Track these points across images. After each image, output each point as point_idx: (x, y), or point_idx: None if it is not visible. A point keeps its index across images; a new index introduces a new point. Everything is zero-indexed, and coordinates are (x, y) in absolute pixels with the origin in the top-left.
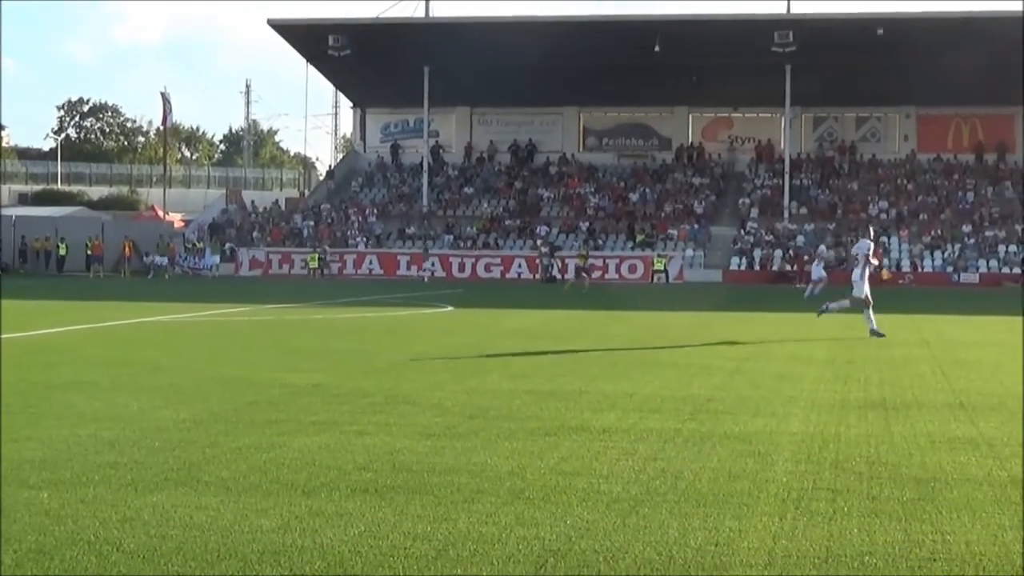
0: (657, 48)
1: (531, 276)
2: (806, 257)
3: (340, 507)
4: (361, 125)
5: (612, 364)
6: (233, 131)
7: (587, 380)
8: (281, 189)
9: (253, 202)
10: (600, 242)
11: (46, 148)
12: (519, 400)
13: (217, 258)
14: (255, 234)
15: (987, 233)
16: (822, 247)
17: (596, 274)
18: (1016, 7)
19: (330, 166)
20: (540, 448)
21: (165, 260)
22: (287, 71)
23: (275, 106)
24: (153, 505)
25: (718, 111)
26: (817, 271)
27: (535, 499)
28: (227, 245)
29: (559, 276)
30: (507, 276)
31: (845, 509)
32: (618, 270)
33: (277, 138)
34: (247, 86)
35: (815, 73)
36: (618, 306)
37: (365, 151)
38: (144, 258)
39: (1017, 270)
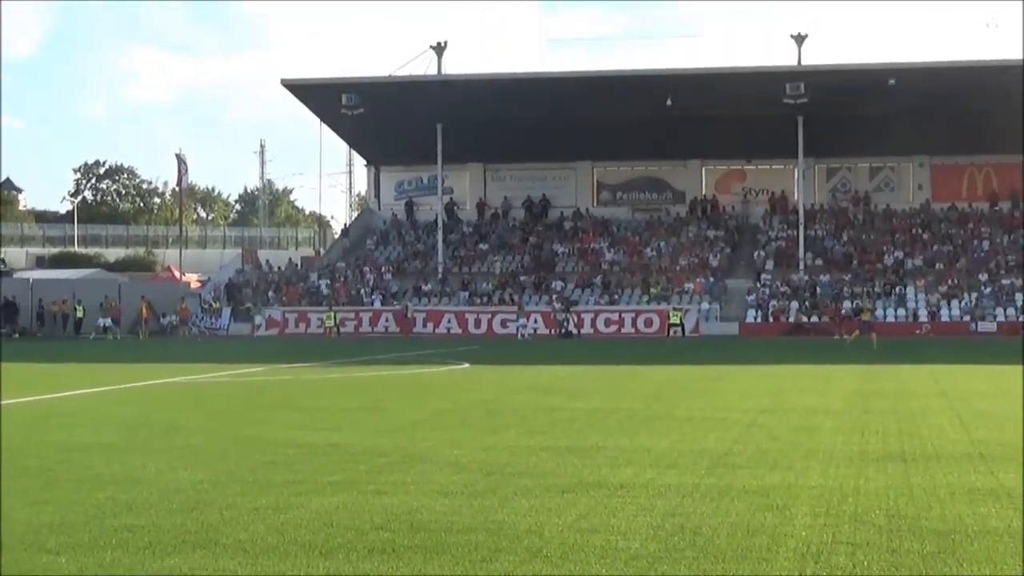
0: (669, 102)
1: (547, 332)
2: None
3: (358, 568)
4: (375, 183)
5: (629, 419)
6: (248, 191)
7: (604, 435)
8: (296, 248)
9: (268, 261)
10: (615, 296)
11: (63, 211)
12: (536, 457)
13: (263, 317)
14: (271, 294)
15: (1004, 281)
16: None
17: (611, 328)
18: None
19: (345, 224)
20: (558, 505)
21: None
22: (301, 130)
23: (290, 165)
24: (171, 568)
25: (731, 164)
26: None
27: (553, 557)
28: (246, 304)
29: (575, 331)
30: (522, 332)
31: (865, 563)
32: (634, 324)
33: (292, 197)
34: (261, 146)
35: (828, 124)
36: (634, 360)
37: (380, 209)
38: (161, 319)
39: None
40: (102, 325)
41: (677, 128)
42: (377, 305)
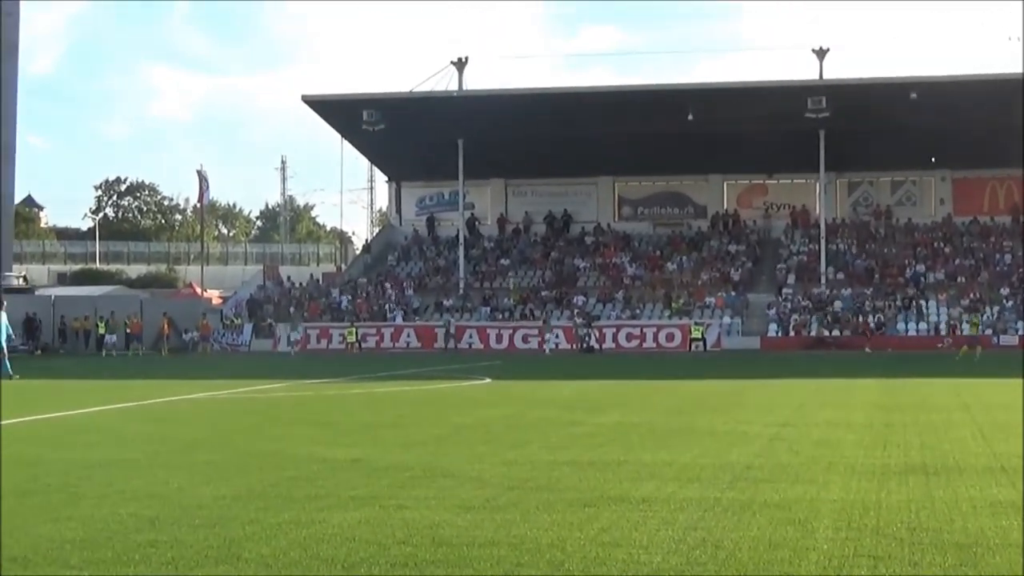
0: (691, 116)
1: (569, 347)
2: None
3: None
4: (396, 199)
5: (650, 433)
6: (269, 207)
7: (626, 450)
8: (318, 264)
9: (290, 277)
10: (637, 311)
11: (84, 228)
12: (558, 471)
13: (297, 333)
14: (292, 309)
15: None
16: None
17: (633, 343)
18: None
19: (366, 240)
20: (580, 519)
21: (198, 336)
22: (322, 146)
23: (311, 181)
24: None
25: (753, 178)
26: None
27: (575, 571)
28: (266, 321)
29: (596, 346)
30: (544, 347)
31: None
32: (655, 338)
33: (313, 213)
34: (282, 162)
35: (849, 138)
36: (655, 375)
37: (401, 224)
38: (183, 335)
39: None
40: (110, 342)
41: (698, 143)
42: (399, 320)
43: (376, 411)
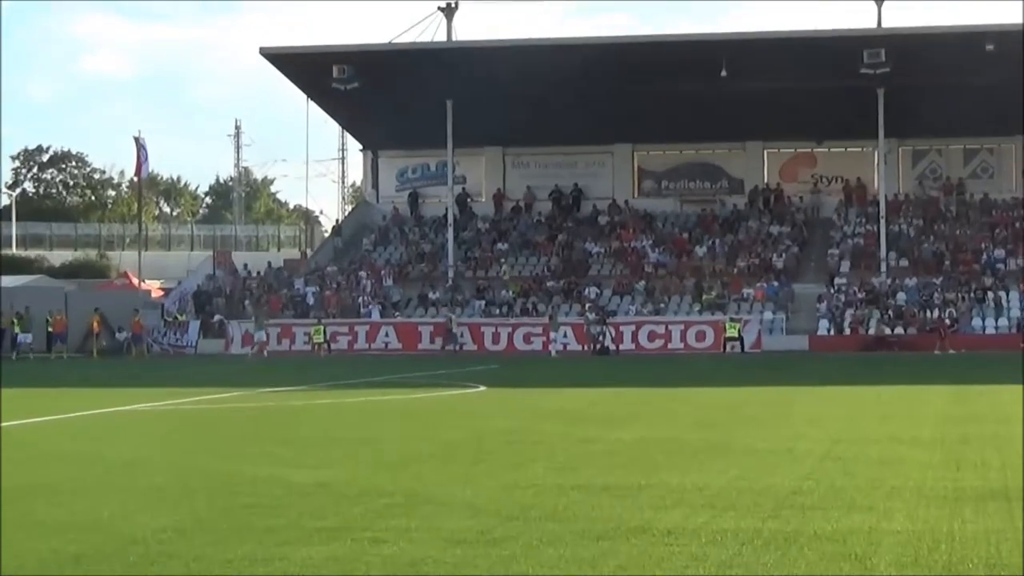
0: (724, 72)
1: (579, 347)
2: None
3: None
4: (373, 171)
5: (678, 451)
6: (221, 181)
7: (648, 471)
8: (279, 249)
9: (246, 265)
10: (661, 305)
11: None
12: (567, 497)
13: (262, 333)
14: (248, 303)
15: None
16: None
17: (656, 343)
18: None
19: (337, 221)
20: (592, 555)
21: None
22: (284, 109)
23: (270, 151)
24: None
25: (799, 146)
26: None
27: None
28: (216, 317)
29: (612, 347)
30: (549, 348)
31: None
32: (683, 338)
33: (273, 188)
34: (237, 128)
35: (913, 98)
36: (684, 381)
37: (378, 202)
38: (116, 334)
39: None
40: (24, 343)
41: (734, 104)
42: (376, 317)
43: (349, 425)
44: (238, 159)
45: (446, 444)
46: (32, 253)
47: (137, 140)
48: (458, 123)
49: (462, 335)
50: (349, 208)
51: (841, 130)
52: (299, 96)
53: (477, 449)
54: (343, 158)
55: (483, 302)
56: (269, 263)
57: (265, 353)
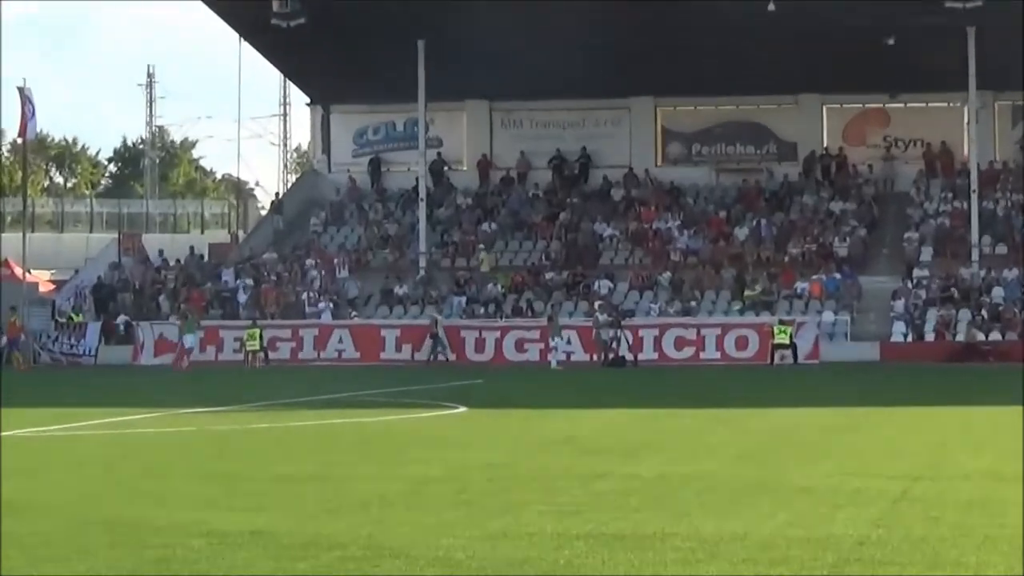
0: (772, 7)
1: (587, 357)
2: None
3: None
4: (323, 131)
5: (711, 490)
6: (129, 144)
7: (674, 516)
8: (203, 231)
9: (161, 252)
10: (692, 303)
11: None
12: (570, 548)
13: (193, 336)
14: (163, 300)
15: None
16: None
17: (685, 352)
18: None
19: (277, 195)
20: None
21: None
22: (210, 53)
23: (192, 106)
24: None
25: (867, 100)
26: None
27: None
28: (121, 318)
29: (628, 357)
30: (548, 357)
31: None
32: (719, 345)
33: (195, 154)
34: (149, 76)
35: (1012, 40)
36: (719, 401)
37: (330, 171)
38: None
39: None
40: None
41: (784, 48)
42: (327, 318)
43: (292, 457)
44: (150, 116)
45: (416, 481)
46: None
47: (22, 91)
48: (433, 70)
49: (446, 341)
50: (293, 179)
51: (921, 80)
52: (229, 36)
53: (456, 488)
54: (285, 115)
55: (464, 299)
56: (192, 248)
57: (186, 363)
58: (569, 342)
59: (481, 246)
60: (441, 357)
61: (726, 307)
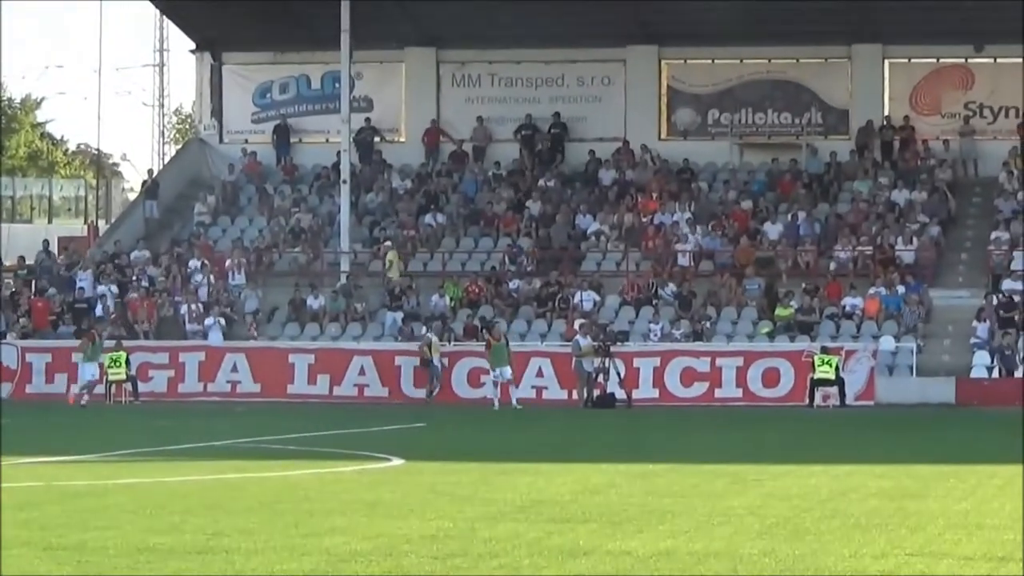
0: None
1: (564, 394)
2: None
3: None
4: (213, 88)
5: (730, 574)
6: None
7: None
8: (50, 220)
9: None
10: (705, 324)
11: None
12: None
13: (91, 368)
14: (4, 313)
15: None
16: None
17: (695, 388)
18: None
19: (150, 172)
20: None
21: None
22: None
23: (36, 53)
24: None
25: (942, 54)
26: None
27: None
28: None
29: (620, 393)
30: (512, 394)
31: None
32: (741, 380)
33: (41, 116)
34: None
35: None
36: (740, 454)
37: (222, 141)
38: None
39: None
40: None
41: None
42: (216, 339)
43: (167, 523)
44: None
45: (334, 558)
46: None
47: None
48: (360, 6)
49: (442, 367)
50: (172, 151)
51: (1011, 29)
52: None
53: (388, 567)
54: (162, 64)
55: (399, 315)
56: (45, 243)
57: (85, 399)
58: (541, 374)
59: (388, 243)
60: (431, 388)
61: (751, 330)
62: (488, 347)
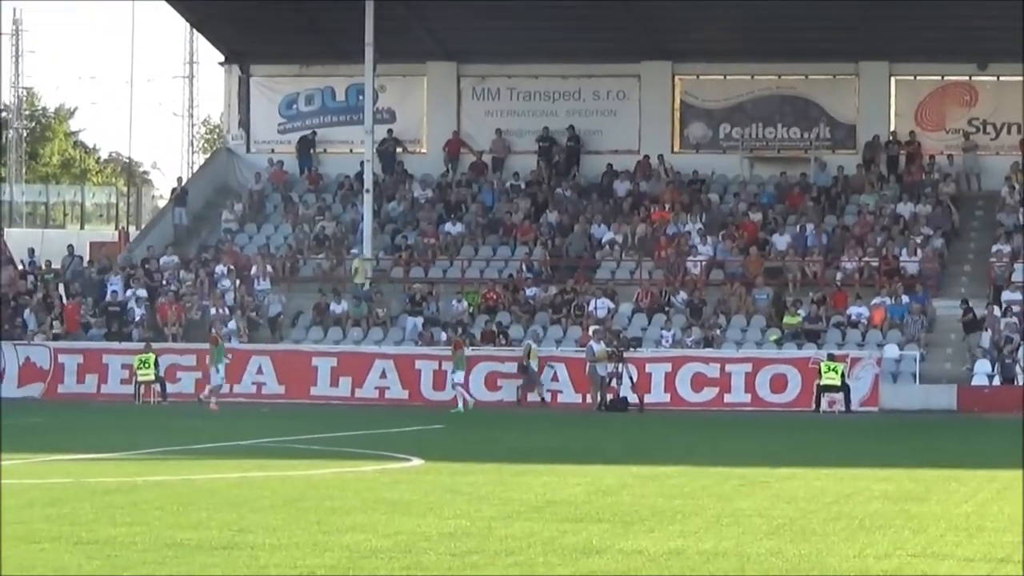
0: None
1: (578, 398)
2: None
3: None
4: (241, 100)
5: (737, 572)
6: None
7: None
8: (83, 226)
9: (32, 251)
10: (715, 331)
11: None
12: None
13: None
14: (29, 315)
15: None
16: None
17: (706, 393)
18: None
19: (179, 180)
20: None
21: None
22: None
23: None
24: None
25: (946, 71)
26: None
27: None
28: None
29: (633, 398)
30: (529, 397)
31: None
32: (750, 386)
33: (74, 125)
34: (15, 23)
35: None
36: (749, 457)
37: (249, 150)
38: None
39: None
40: None
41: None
42: (239, 342)
43: (194, 519)
44: (16, 75)
45: (354, 554)
46: None
47: None
48: (384, 20)
49: (539, 373)
50: (200, 160)
51: (1017, 49)
52: None
53: (406, 564)
54: (191, 76)
55: (420, 321)
56: (70, 248)
57: (212, 402)
58: (557, 378)
59: (355, 251)
60: (534, 396)
61: (759, 337)
62: (455, 350)
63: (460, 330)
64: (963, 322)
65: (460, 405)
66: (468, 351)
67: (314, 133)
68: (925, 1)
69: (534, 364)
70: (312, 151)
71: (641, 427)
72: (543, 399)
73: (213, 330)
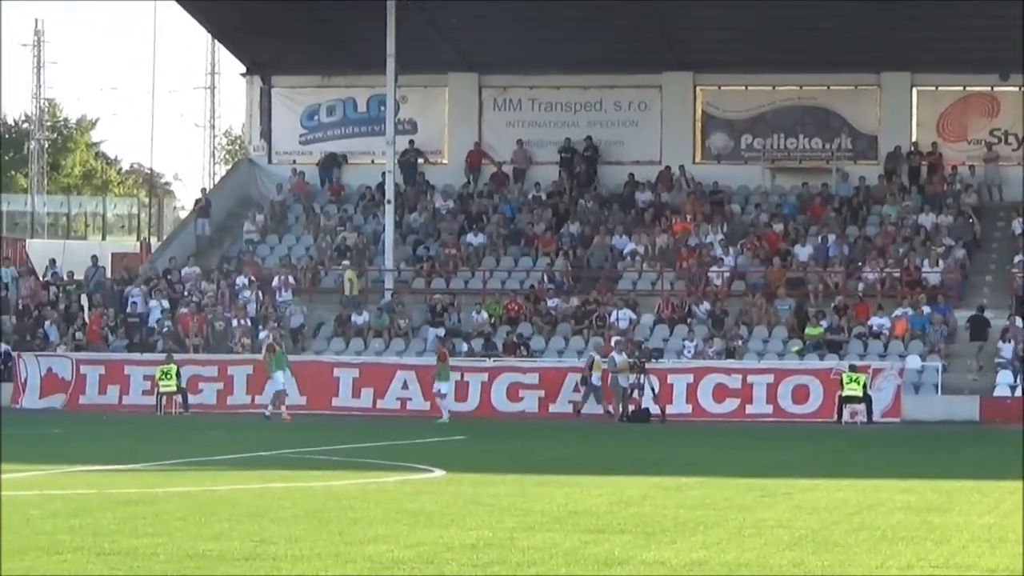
0: None
1: (600, 409)
2: None
3: None
4: (263, 111)
5: None
6: (10, 122)
7: None
8: (104, 237)
9: (54, 262)
10: (737, 342)
11: None
12: None
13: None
14: (50, 325)
15: None
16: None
17: (728, 404)
18: None
19: (202, 191)
20: None
21: None
22: (116, 5)
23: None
24: None
25: (968, 81)
26: None
27: None
28: (3, 348)
29: (656, 410)
30: (550, 408)
31: None
32: (772, 397)
33: (96, 136)
34: (37, 34)
35: None
36: (771, 468)
37: (271, 161)
38: None
39: None
40: None
41: (862, 9)
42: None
43: (216, 530)
44: (38, 86)
45: (377, 565)
46: None
47: None
48: (406, 31)
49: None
50: (222, 171)
51: None
52: None
53: (426, 575)
54: (213, 87)
55: (441, 331)
56: (94, 259)
57: (283, 413)
58: (578, 389)
59: (345, 262)
60: (594, 409)
61: (781, 348)
62: (440, 361)
63: (483, 341)
64: (969, 328)
65: (445, 415)
66: (462, 361)
67: (344, 157)
68: (947, 12)
69: (596, 376)
70: (331, 170)
71: (663, 438)
72: (608, 411)
73: (271, 337)
